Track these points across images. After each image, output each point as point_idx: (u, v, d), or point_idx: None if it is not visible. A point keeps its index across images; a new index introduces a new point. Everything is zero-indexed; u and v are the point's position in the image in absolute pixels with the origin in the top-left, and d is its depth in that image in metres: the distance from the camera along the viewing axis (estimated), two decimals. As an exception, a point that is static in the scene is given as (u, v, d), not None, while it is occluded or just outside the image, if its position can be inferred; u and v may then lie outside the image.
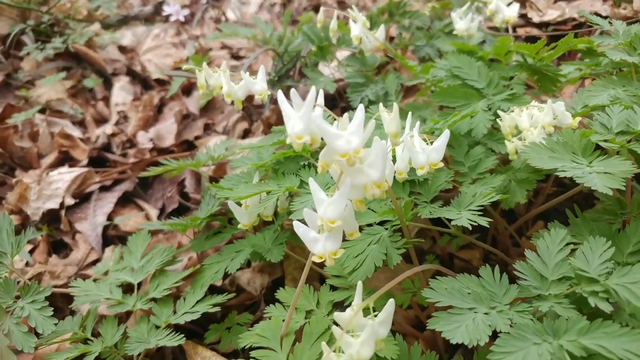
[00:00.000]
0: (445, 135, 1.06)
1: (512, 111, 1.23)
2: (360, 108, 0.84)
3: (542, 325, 0.81)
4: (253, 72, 1.28)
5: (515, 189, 1.28)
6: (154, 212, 1.98)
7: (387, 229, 1.09)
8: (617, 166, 0.97)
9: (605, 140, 1.10)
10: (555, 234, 0.95)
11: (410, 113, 1.16)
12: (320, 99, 0.82)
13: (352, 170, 0.84)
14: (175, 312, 1.19)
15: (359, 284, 0.83)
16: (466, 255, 1.60)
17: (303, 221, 0.91)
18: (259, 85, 1.30)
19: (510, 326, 0.82)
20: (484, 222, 0.98)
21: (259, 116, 2.28)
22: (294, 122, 0.80)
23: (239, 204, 1.30)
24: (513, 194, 1.27)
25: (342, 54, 2.29)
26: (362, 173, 0.85)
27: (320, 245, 0.87)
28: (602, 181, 0.92)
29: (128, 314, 1.43)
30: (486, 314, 0.85)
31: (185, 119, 2.38)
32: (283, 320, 1.07)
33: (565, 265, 0.90)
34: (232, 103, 1.29)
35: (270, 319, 1.09)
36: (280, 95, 0.83)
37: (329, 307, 1.10)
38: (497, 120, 1.27)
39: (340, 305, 1.10)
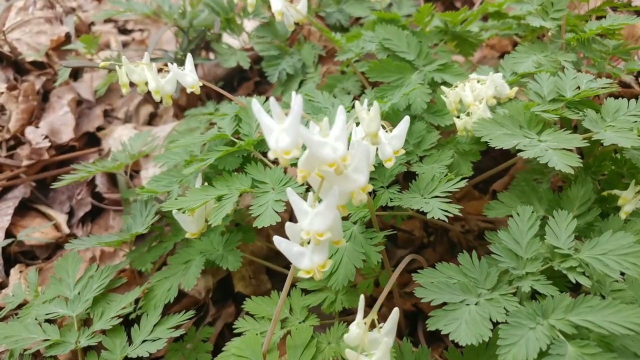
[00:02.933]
0: (405, 122, 1.03)
1: (456, 86, 1.23)
2: (341, 110, 0.77)
3: (532, 308, 0.84)
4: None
5: (460, 162, 1.30)
6: (62, 218, 1.75)
7: (355, 223, 1.05)
8: (568, 140, 1.02)
9: (545, 111, 1.15)
10: (522, 212, 0.97)
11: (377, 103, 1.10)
12: (301, 107, 0.73)
13: (338, 177, 0.78)
14: (131, 342, 1.06)
15: (361, 298, 0.79)
16: (408, 227, 1.63)
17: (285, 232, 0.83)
18: (189, 77, 1.16)
19: (506, 314, 0.83)
20: (455, 210, 0.97)
21: (165, 98, 2.08)
22: (277, 136, 0.71)
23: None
24: (458, 166, 1.29)
25: (250, 24, 2.14)
26: (348, 179, 0.79)
27: (307, 260, 0.81)
28: (562, 159, 0.96)
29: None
30: (477, 304, 0.86)
31: (79, 106, 2.10)
32: (258, 334, 1.00)
33: (536, 242, 0.94)
34: (162, 100, 1.14)
35: (243, 334, 1.02)
36: (255, 104, 0.73)
37: (304, 312, 1.05)
38: (442, 96, 1.27)
39: (317, 310, 1.05)
